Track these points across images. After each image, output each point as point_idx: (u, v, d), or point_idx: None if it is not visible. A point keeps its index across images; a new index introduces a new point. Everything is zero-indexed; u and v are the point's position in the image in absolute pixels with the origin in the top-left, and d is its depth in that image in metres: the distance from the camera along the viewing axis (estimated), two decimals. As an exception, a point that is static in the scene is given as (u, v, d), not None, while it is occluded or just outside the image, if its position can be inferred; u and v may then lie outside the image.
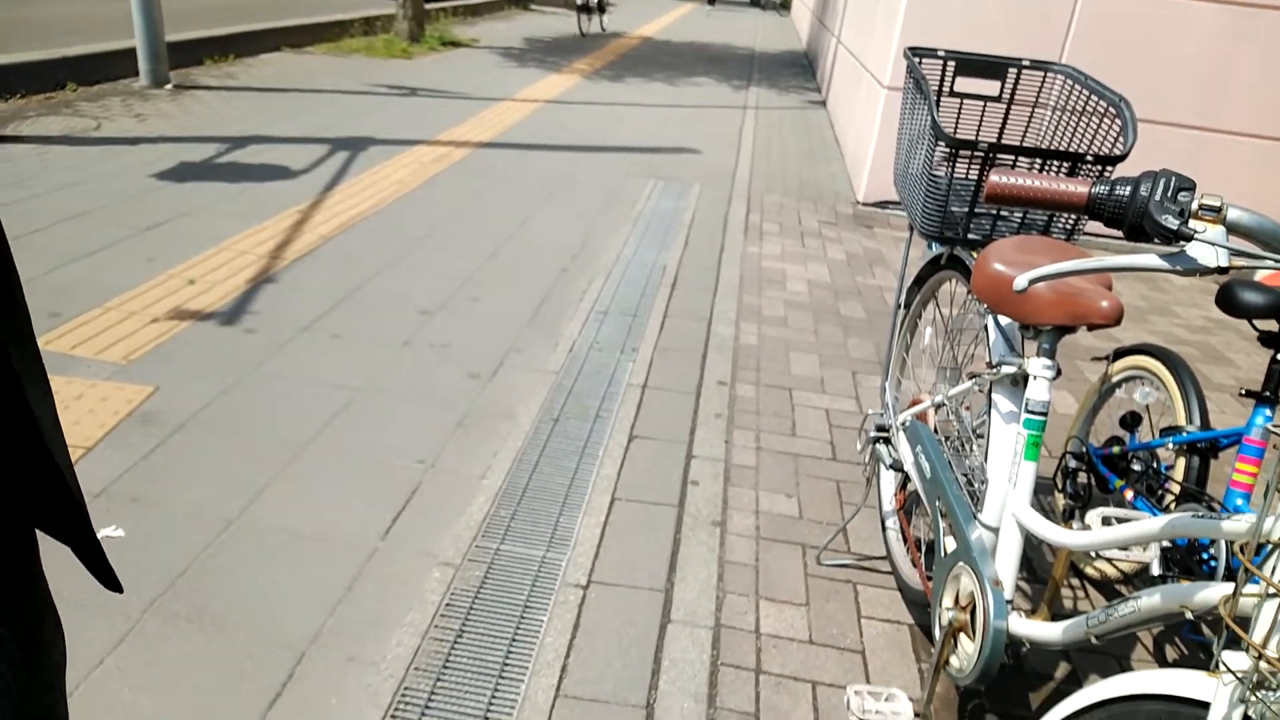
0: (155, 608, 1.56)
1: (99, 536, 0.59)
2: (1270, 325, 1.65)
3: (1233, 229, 0.90)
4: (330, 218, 3.59)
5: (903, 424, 1.79)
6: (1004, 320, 1.51)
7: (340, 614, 1.59)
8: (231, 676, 1.44)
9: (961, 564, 1.39)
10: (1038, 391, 1.33)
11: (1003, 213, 1.71)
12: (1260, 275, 3.35)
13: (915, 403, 1.85)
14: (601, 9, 12.39)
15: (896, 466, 1.80)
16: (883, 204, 4.66)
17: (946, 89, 1.91)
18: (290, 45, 7.71)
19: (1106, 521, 1.56)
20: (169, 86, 5.59)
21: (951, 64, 1.90)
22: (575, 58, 9.28)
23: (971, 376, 1.53)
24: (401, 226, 3.59)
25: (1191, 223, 0.89)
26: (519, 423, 2.29)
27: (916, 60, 1.86)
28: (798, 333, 3.01)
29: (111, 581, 0.62)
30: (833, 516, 2.05)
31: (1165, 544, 1.65)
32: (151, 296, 2.72)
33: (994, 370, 1.44)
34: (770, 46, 12.87)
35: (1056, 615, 1.51)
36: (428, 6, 9.44)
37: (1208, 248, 0.89)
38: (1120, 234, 0.94)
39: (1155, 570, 1.61)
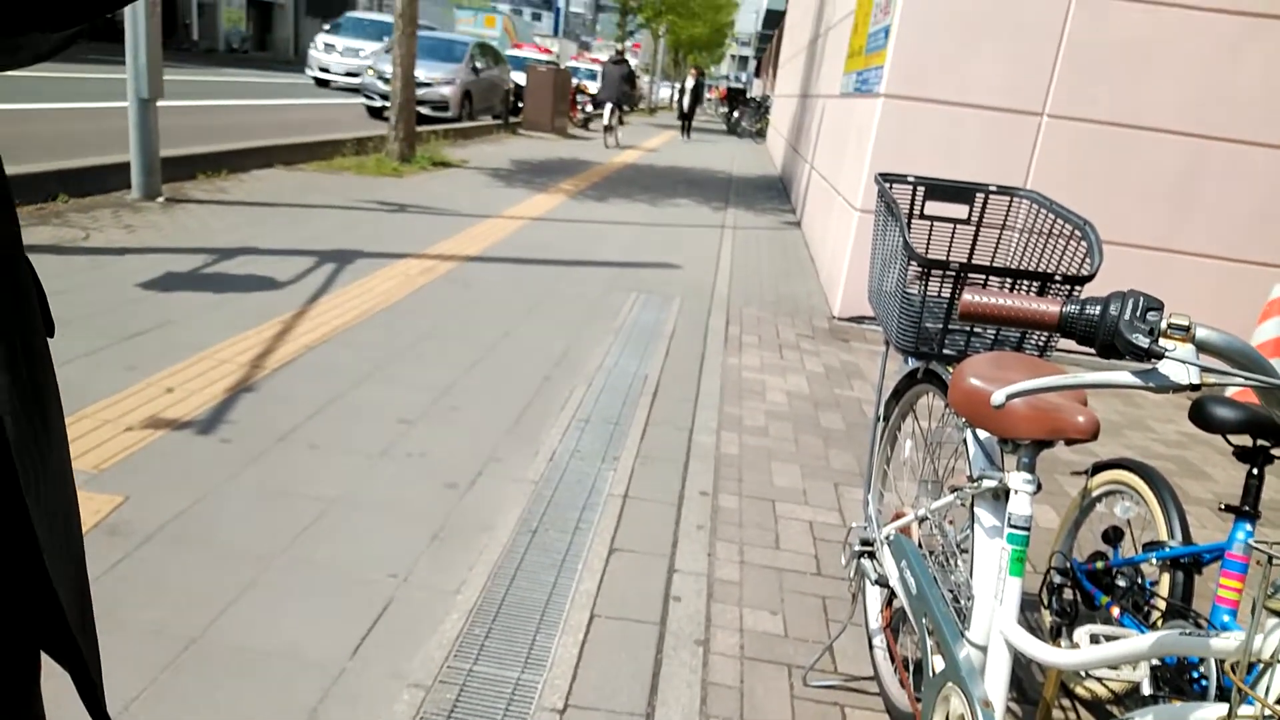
0: (106, 733, 1.47)
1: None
2: (1244, 440, 1.68)
3: (1201, 347, 0.92)
4: (314, 328, 3.62)
5: (887, 538, 1.77)
6: (983, 434, 1.53)
7: (303, 740, 1.51)
8: (182, 810, 1.35)
9: (950, 684, 1.35)
10: (1019, 506, 1.33)
11: (977, 329, 1.75)
12: (1231, 391, 3.43)
13: (898, 516, 1.84)
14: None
15: (882, 582, 1.77)
16: (858, 319, 4.76)
17: (917, 212, 1.99)
18: (283, 162, 7.93)
19: (1095, 640, 1.53)
20: (161, 199, 5.71)
21: (921, 189, 1.98)
22: (560, 178, 9.61)
23: (953, 490, 1.53)
24: (385, 337, 3.62)
25: (1161, 341, 0.92)
26: (496, 534, 2.24)
27: (887, 185, 1.94)
28: (779, 443, 3.01)
29: (96, 708, 0.60)
30: (819, 634, 2.00)
31: (1155, 663, 1.62)
32: (128, 405, 2.70)
33: (975, 484, 1.44)
34: (747, 171, 13.42)
35: (1050, 740, 1.46)
36: (419, 129, 9.81)
37: (1179, 365, 0.91)
38: (1091, 351, 0.97)
39: (1146, 690, 1.58)
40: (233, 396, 2.85)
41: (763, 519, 2.48)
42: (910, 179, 1.99)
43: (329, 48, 17.72)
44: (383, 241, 5.33)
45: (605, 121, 14.88)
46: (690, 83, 20.14)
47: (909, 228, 1.92)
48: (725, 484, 2.66)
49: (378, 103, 13.39)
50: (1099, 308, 0.97)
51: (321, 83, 17.54)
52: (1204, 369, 0.91)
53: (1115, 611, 1.78)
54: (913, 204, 1.99)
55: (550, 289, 4.74)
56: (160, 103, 5.65)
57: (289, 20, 38.91)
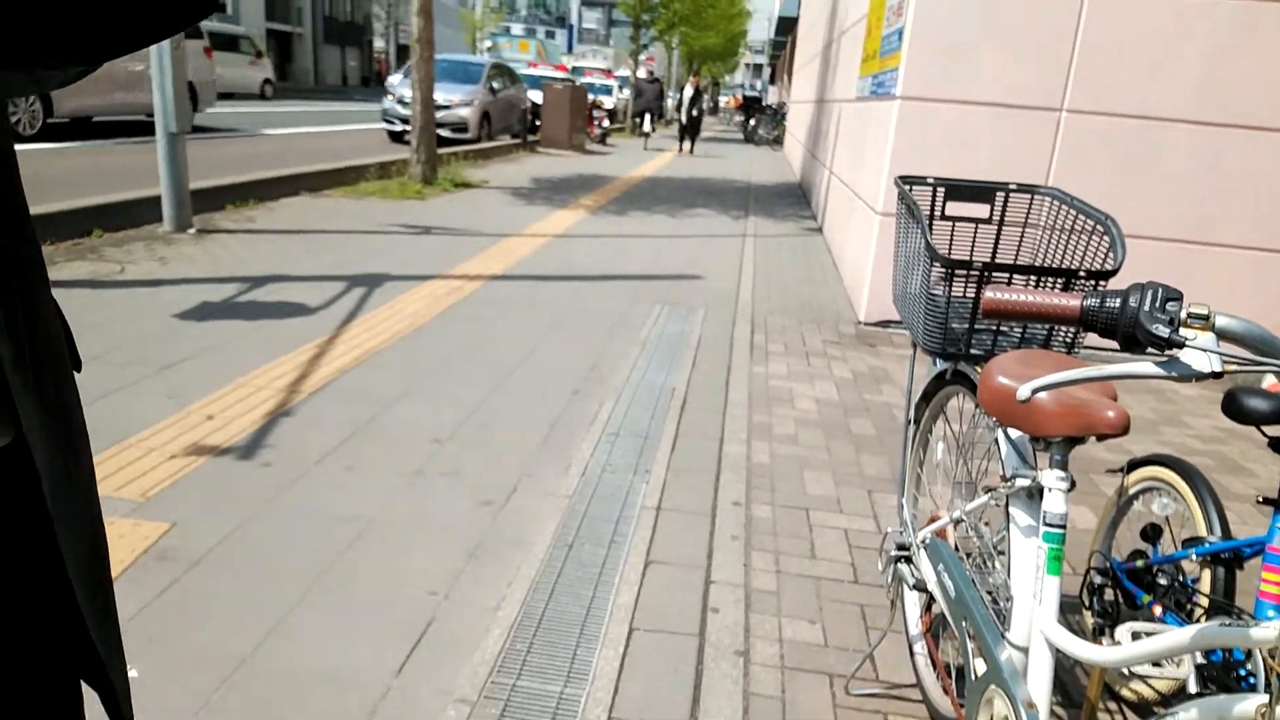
0: (163, 755, 1.51)
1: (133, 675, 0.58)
2: (1278, 431, 1.66)
3: (1222, 335, 0.93)
4: (346, 351, 3.68)
5: (923, 542, 1.77)
6: (1014, 433, 1.53)
7: (353, 757, 1.54)
8: (240, 828, 1.38)
9: (993, 687, 1.35)
10: (1054, 504, 1.33)
11: (1003, 328, 1.76)
12: (1266, 383, 3.37)
13: (933, 519, 1.84)
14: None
15: (920, 587, 1.77)
16: (884, 323, 4.75)
17: (938, 213, 2.00)
18: (309, 190, 8.07)
19: (1136, 637, 1.53)
20: (192, 231, 5.84)
21: (941, 190, 1.99)
22: (580, 194, 9.68)
23: (987, 490, 1.53)
24: (415, 358, 3.67)
25: (1182, 330, 0.93)
26: (533, 550, 2.27)
27: (907, 188, 1.95)
28: (810, 450, 3.01)
29: None
30: (859, 642, 2.00)
31: (1200, 660, 1.60)
32: (170, 433, 2.76)
33: (1008, 484, 1.44)
34: (765, 179, 13.43)
35: (1097, 739, 1.45)
36: (440, 151, 9.94)
37: (1200, 354, 0.92)
38: (1118, 347, 0.98)
39: (1192, 688, 1.56)
40: (271, 421, 2.91)
41: (797, 528, 2.49)
42: (930, 180, 2.00)
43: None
44: (409, 264, 5.40)
45: (644, 129, 19.03)
46: (689, 92, 17.74)
47: (930, 229, 1.93)
48: (758, 493, 2.67)
49: (398, 127, 13.57)
50: (1119, 300, 0.98)
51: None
52: (1225, 356, 0.91)
53: (1158, 610, 1.76)
54: (933, 205, 1.99)
55: (575, 304, 4.78)
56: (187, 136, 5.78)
57: (308, 49, 39.60)
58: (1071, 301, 1.02)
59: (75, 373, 0.59)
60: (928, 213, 1.97)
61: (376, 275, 5.03)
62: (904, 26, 4.61)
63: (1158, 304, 0.95)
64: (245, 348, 3.60)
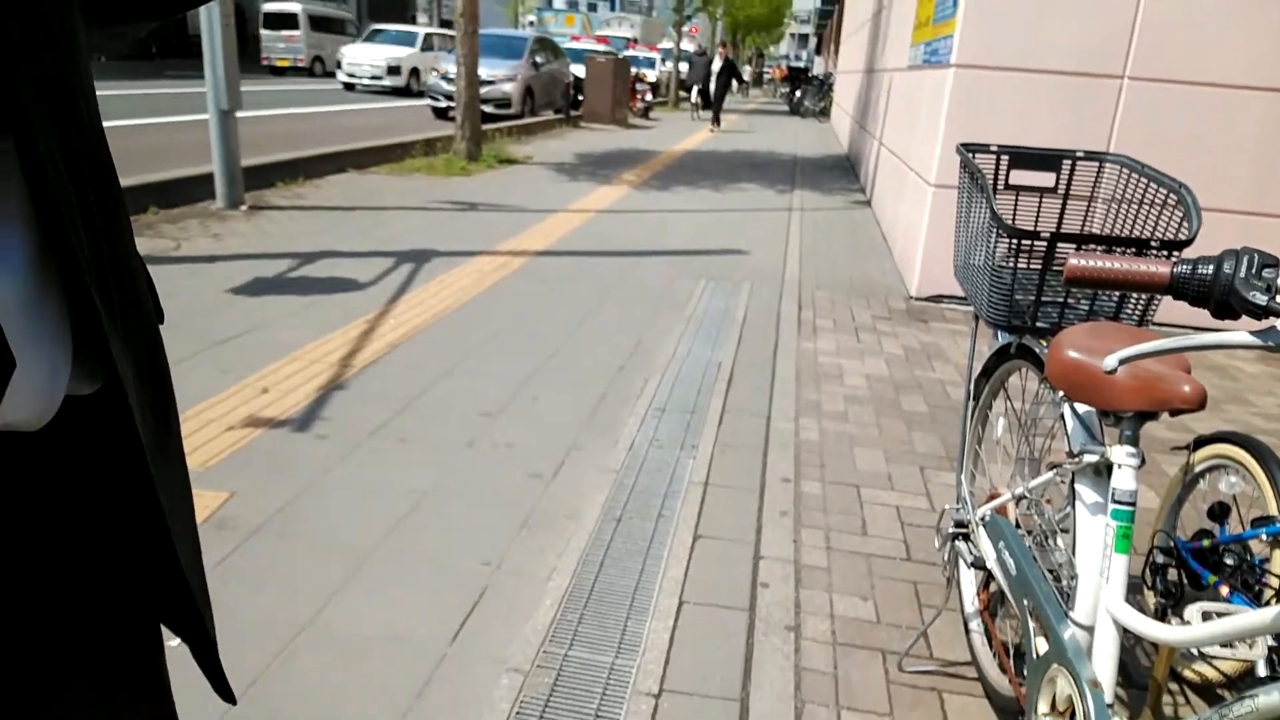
0: (230, 715, 1.55)
1: (172, 645, 0.59)
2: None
3: (1321, 303, 0.89)
4: (397, 326, 3.72)
5: (982, 519, 1.74)
6: (1081, 408, 1.49)
7: (411, 722, 1.57)
8: (304, 788, 1.41)
9: (1056, 665, 1.33)
10: (1123, 480, 1.29)
11: (1070, 300, 1.70)
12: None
13: (993, 496, 1.80)
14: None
15: (978, 564, 1.74)
16: (936, 298, 4.66)
17: (1001, 183, 1.94)
18: (356, 167, 8.15)
19: (1207, 617, 1.48)
20: (244, 208, 5.94)
21: (1005, 158, 1.93)
22: (624, 169, 9.64)
23: (1051, 467, 1.49)
24: (464, 333, 3.70)
25: (1279, 298, 0.88)
26: (582, 523, 2.28)
27: (970, 155, 1.89)
28: (860, 428, 2.98)
29: (225, 689, 0.63)
30: (912, 620, 1.98)
31: (1272, 642, 1.55)
32: (227, 405, 2.82)
33: (1075, 460, 1.40)
34: (811, 152, 13.22)
35: (1163, 722, 1.42)
36: (484, 127, 9.95)
37: (1300, 323, 0.87)
38: (1184, 324, 0.93)
39: (1262, 670, 1.51)
40: (325, 394, 2.96)
41: (848, 505, 2.46)
42: (993, 148, 1.94)
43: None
44: (456, 240, 5.43)
45: (692, 100, 18.83)
46: (717, 64, 16.92)
47: (994, 198, 1.87)
48: (807, 470, 2.65)
49: (442, 104, 13.62)
50: (1212, 266, 0.94)
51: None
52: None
53: (1224, 590, 1.71)
54: (996, 174, 1.93)
55: (620, 279, 4.76)
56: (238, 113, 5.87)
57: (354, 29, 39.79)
58: (1160, 268, 0.98)
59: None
60: (990, 182, 1.91)
61: (424, 251, 5.07)
62: (959, -9, 4.47)
63: (1254, 270, 0.90)
64: (298, 322, 3.66)
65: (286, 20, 23.06)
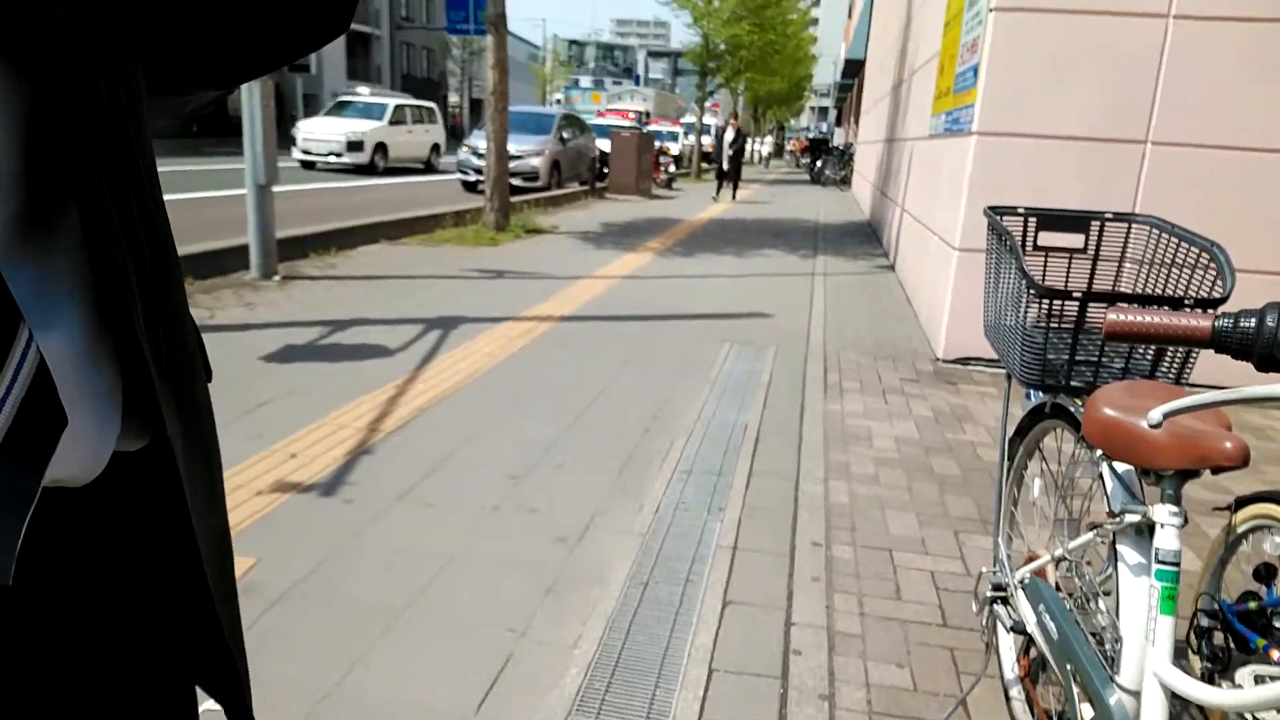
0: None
1: (206, 707, 0.58)
2: None
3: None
4: (424, 391, 3.75)
5: (1021, 582, 1.69)
6: (1121, 467, 1.45)
7: (434, 793, 1.52)
8: None
9: (1105, 735, 1.27)
10: (1167, 540, 1.26)
11: (1104, 359, 1.68)
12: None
13: (1031, 558, 1.75)
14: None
15: (1018, 629, 1.68)
16: (964, 360, 4.62)
17: (1029, 244, 1.94)
18: (387, 238, 8.35)
19: (1260, 680, 1.42)
20: (277, 278, 6.08)
21: (1033, 220, 1.94)
22: (648, 237, 9.78)
23: (1091, 527, 1.46)
24: (490, 397, 3.72)
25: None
26: (608, 588, 2.24)
27: (998, 218, 1.90)
28: (891, 490, 2.93)
29: None
30: (950, 687, 1.91)
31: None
32: (256, 470, 2.84)
33: (1116, 520, 1.37)
34: (833, 219, 13.36)
35: (1222, 799, 1.35)
36: (512, 199, 10.18)
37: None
38: (1214, 382, 0.92)
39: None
40: (353, 459, 2.97)
41: (881, 569, 2.41)
42: (1020, 210, 1.95)
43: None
44: (483, 306, 5.51)
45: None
46: (729, 135, 16.46)
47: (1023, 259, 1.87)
48: (838, 534, 2.60)
49: (472, 177, 13.99)
50: (1254, 319, 0.93)
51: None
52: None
53: (1275, 654, 1.64)
54: (1024, 236, 1.94)
55: (644, 344, 4.79)
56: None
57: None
58: (1201, 322, 0.97)
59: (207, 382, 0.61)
60: (1019, 243, 1.92)
61: (452, 318, 5.14)
62: (979, 63, 4.56)
63: (1299, 321, 0.89)
64: (328, 388, 3.71)
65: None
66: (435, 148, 20.18)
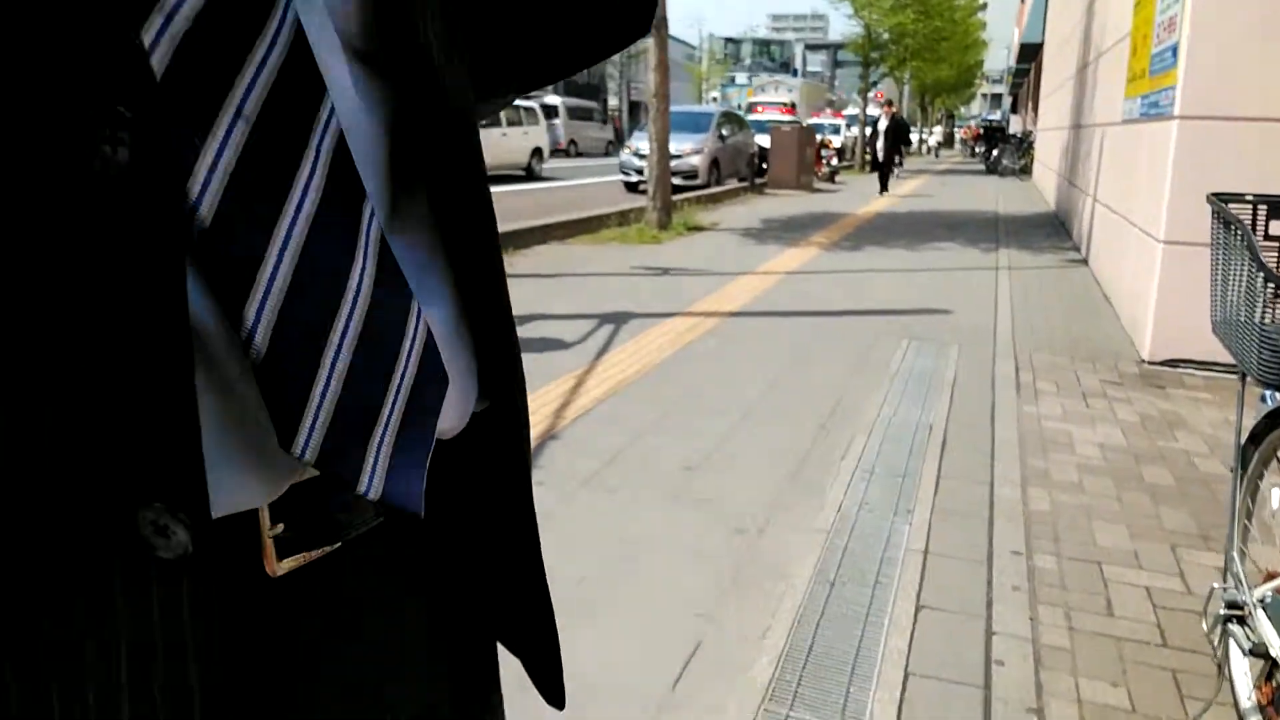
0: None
1: None
2: None
3: None
4: (601, 382, 3.87)
5: (1262, 600, 1.54)
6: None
7: (637, 769, 1.57)
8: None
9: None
10: None
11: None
12: None
13: (1272, 575, 1.59)
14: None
15: (1258, 652, 1.53)
16: (1173, 362, 4.24)
17: (1260, 234, 1.77)
18: (556, 239, 8.66)
19: None
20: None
21: (1263, 207, 1.76)
22: (812, 232, 9.61)
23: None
24: (662, 389, 3.78)
25: None
26: (793, 583, 2.23)
27: (1224, 204, 1.74)
28: (1098, 499, 2.73)
29: (556, 695, 0.63)
30: (1174, 712, 1.76)
31: None
32: (453, 454, 3.03)
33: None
34: (1015, 210, 12.60)
35: None
36: (673, 198, 10.29)
37: None
38: None
39: None
40: (542, 443, 3.11)
41: (1089, 582, 2.25)
42: (1249, 197, 1.77)
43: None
44: (651, 303, 5.61)
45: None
46: (884, 123, 15.91)
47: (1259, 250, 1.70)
48: (1039, 543, 2.46)
49: (633, 178, 14.25)
50: None
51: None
52: None
53: None
54: (1254, 224, 1.76)
55: (813, 339, 4.71)
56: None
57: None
58: None
59: None
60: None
61: (622, 313, 5.26)
62: (1178, 42, 4.17)
63: None
64: (512, 378, 3.89)
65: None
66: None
